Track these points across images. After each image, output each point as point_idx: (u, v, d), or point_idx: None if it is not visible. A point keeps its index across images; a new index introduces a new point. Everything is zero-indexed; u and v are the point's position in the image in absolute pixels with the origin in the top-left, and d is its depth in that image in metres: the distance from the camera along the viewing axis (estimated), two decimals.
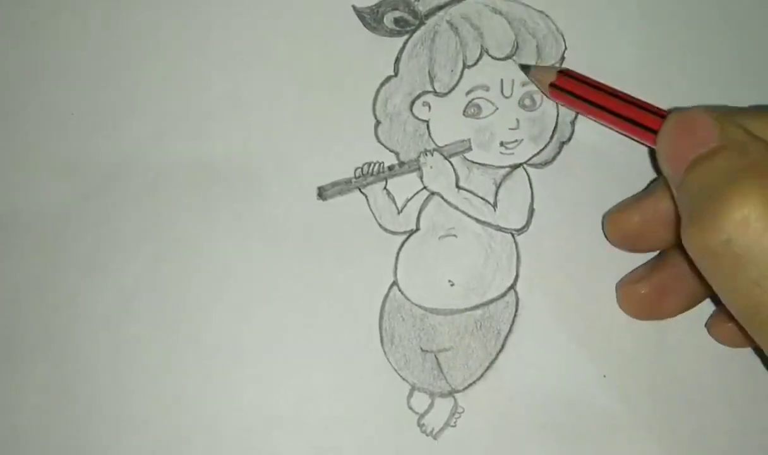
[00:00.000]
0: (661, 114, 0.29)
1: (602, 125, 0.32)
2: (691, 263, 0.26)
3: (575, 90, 0.31)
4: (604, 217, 0.33)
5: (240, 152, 0.33)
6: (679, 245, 0.27)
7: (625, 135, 0.31)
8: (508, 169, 0.34)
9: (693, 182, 0.25)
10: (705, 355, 0.33)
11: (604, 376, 0.32)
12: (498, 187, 0.33)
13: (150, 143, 0.34)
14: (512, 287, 0.33)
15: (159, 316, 0.32)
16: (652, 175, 0.33)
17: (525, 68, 0.33)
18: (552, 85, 0.32)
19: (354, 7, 0.34)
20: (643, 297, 0.32)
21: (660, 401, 0.32)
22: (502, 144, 0.33)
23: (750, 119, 0.26)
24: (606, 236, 0.33)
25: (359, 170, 0.33)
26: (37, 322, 0.33)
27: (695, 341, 0.33)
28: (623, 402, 0.32)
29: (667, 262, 0.32)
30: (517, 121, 0.34)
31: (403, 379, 0.32)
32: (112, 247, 0.33)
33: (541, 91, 0.33)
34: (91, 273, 0.33)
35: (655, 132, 0.28)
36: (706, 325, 0.33)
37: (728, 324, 0.31)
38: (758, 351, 0.32)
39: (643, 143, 0.30)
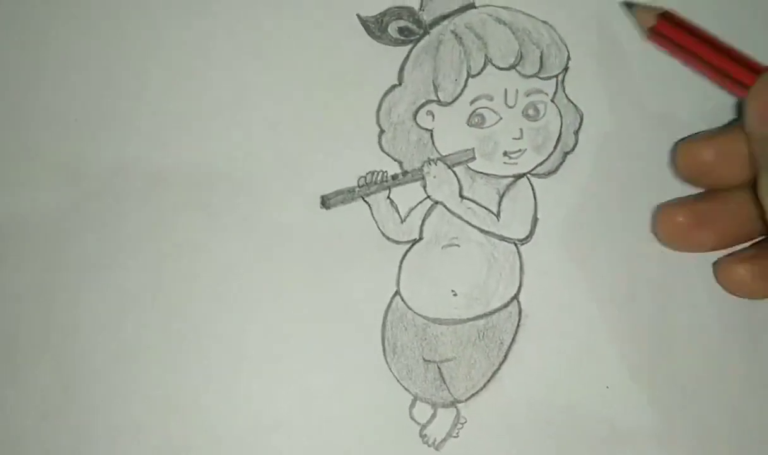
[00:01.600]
0: (757, 70, 0.30)
1: (697, 72, 0.32)
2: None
3: (673, 36, 0.32)
4: (675, 145, 0.32)
5: (243, 160, 0.33)
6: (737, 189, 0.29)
7: (718, 86, 0.31)
8: (511, 179, 0.33)
9: None
10: (709, 366, 0.33)
11: (607, 387, 0.32)
12: (501, 197, 0.33)
13: (152, 149, 0.33)
14: (515, 297, 0.33)
15: (160, 321, 0.32)
16: (660, 183, 0.33)
17: (629, 5, 0.33)
18: (651, 29, 0.32)
19: (359, 16, 0.34)
20: (679, 224, 0.32)
21: (663, 412, 0.32)
22: (505, 154, 0.33)
23: None
24: (674, 166, 0.32)
25: (363, 178, 0.33)
26: (37, 325, 0.32)
27: (699, 351, 0.33)
28: (626, 413, 0.32)
29: (715, 198, 0.32)
30: (521, 131, 0.34)
31: (406, 389, 0.32)
32: (114, 251, 0.33)
33: (641, 33, 0.33)
34: (93, 277, 0.33)
35: (747, 87, 0.29)
36: (713, 266, 0.32)
37: (740, 268, 0.31)
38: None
39: (734, 94, 0.31)
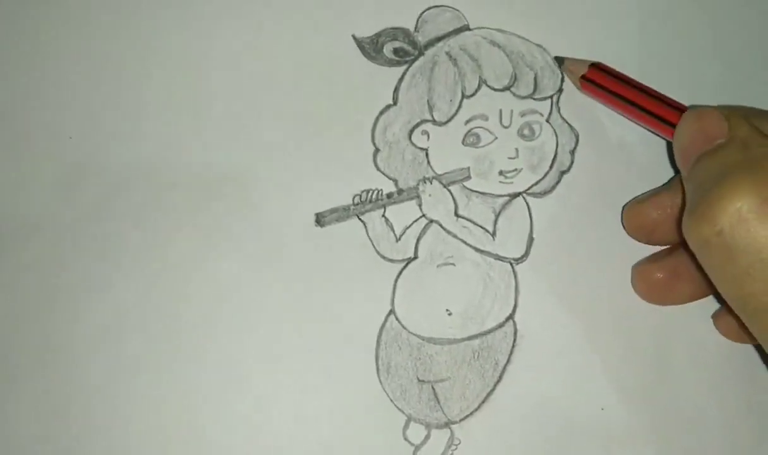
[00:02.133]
0: (682, 110, 0.30)
1: (627, 118, 0.33)
2: (691, 253, 0.26)
3: (605, 83, 0.32)
4: (623, 209, 0.33)
5: (238, 178, 0.33)
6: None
7: (649, 129, 0.31)
8: (507, 198, 0.33)
9: (696, 175, 0.26)
10: (706, 387, 0.32)
11: (602, 409, 0.32)
12: (497, 216, 0.33)
13: (149, 165, 0.33)
14: (511, 317, 0.33)
15: (155, 339, 0.32)
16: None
17: (558, 60, 0.34)
18: (583, 77, 0.33)
19: (354, 37, 0.35)
20: (657, 281, 0.32)
21: (660, 434, 0.32)
22: (501, 173, 0.33)
23: (766, 118, 0.27)
24: (624, 227, 0.33)
25: (358, 197, 0.33)
26: (34, 337, 0.32)
27: (696, 373, 0.32)
28: (622, 435, 0.32)
29: (683, 250, 0.31)
30: (516, 150, 0.34)
31: (399, 410, 0.32)
32: (109, 270, 0.33)
33: (573, 83, 0.34)
34: (89, 295, 0.32)
35: (674, 126, 0.29)
36: (712, 317, 0.33)
37: (729, 317, 0.31)
38: (758, 347, 0.32)
39: (664, 138, 0.31)
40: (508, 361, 0.32)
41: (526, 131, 0.34)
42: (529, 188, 0.34)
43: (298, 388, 0.32)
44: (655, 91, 0.31)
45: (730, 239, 0.24)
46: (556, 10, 0.35)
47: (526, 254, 0.33)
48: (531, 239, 0.33)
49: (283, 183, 0.33)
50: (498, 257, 0.33)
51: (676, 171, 0.33)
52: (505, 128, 0.34)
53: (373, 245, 0.33)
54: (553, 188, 0.34)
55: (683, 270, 0.31)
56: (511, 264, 0.33)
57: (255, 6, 0.35)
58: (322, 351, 0.32)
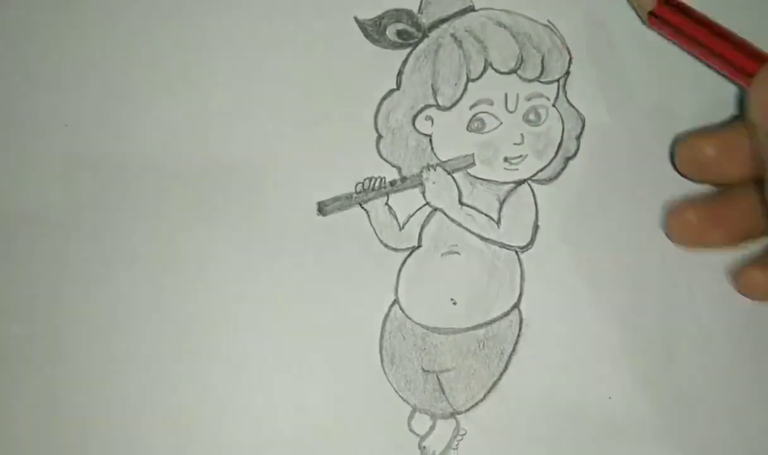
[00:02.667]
0: (760, 58, 0.29)
1: (698, 59, 0.32)
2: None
3: (674, 21, 0.31)
4: (676, 141, 0.32)
5: (240, 166, 0.33)
6: (745, 186, 0.29)
7: (721, 73, 0.31)
8: (512, 185, 0.33)
9: None
10: (713, 376, 0.32)
11: (610, 398, 0.32)
12: (502, 203, 0.33)
13: (149, 156, 0.33)
14: (516, 305, 0.32)
15: (157, 331, 0.32)
16: (664, 189, 0.33)
17: None
18: (651, 13, 0.32)
19: (356, 19, 0.34)
20: (690, 224, 0.32)
21: (667, 423, 0.32)
22: (506, 159, 0.33)
23: None
24: (674, 162, 0.32)
25: (360, 185, 0.32)
26: (34, 333, 0.32)
27: (703, 361, 0.32)
28: (629, 424, 0.32)
29: (725, 196, 0.32)
30: (522, 136, 0.33)
31: (404, 400, 0.32)
32: (111, 262, 0.32)
33: (640, 18, 0.33)
34: (89, 288, 0.32)
35: (750, 75, 0.29)
36: (731, 274, 0.32)
37: (755, 271, 0.31)
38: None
39: (735, 83, 0.30)
40: (513, 350, 0.32)
41: (531, 116, 0.33)
42: (534, 175, 0.33)
43: (302, 379, 0.32)
44: (732, 35, 0.30)
45: None
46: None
47: (532, 242, 0.33)
48: (536, 227, 0.33)
49: (285, 172, 0.33)
50: (503, 246, 0.33)
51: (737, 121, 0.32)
52: (511, 112, 0.33)
53: (376, 233, 0.32)
54: (559, 174, 0.33)
55: (719, 217, 0.31)
56: (516, 252, 0.33)
57: None
58: (325, 341, 0.32)
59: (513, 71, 0.33)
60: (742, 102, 0.31)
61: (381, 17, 0.34)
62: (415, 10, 0.34)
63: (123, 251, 0.32)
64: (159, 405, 0.31)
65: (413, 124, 0.33)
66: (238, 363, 0.32)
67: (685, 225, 0.32)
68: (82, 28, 0.34)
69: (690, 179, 0.32)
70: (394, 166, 0.33)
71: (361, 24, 0.34)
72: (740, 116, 0.32)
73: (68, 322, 0.32)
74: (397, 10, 0.34)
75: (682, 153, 0.32)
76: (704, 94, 0.33)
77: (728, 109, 0.33)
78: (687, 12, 0.31)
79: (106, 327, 0.32)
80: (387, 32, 0.34)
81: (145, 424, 0.31)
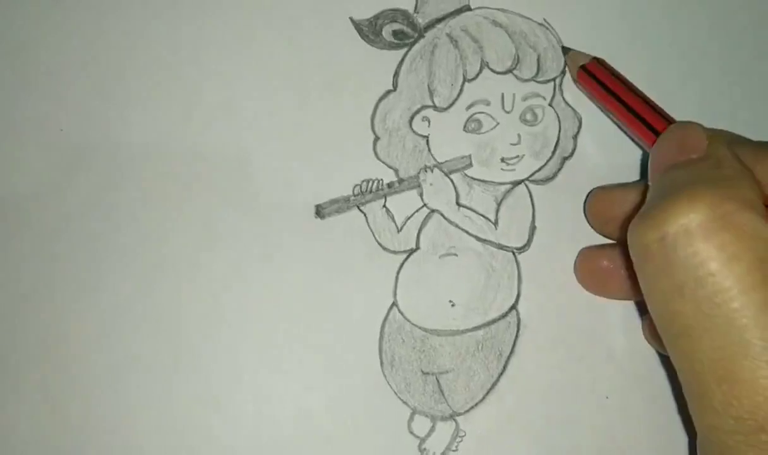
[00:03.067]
0: (670, 122, 0.29)
1: (614, 120, 0.32)
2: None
3: (602, 78, 0.31)
4: (587, 196, 0.32)
5: (236, 169, 0.32)
6: None
7: (634, 137, 0.31)
8: (509, 185, 0.33)
9: (662, 182, 0.25)
10: None
11: (607, 398, 0.32)
12: (499, 204, 0.33)
13: (145, 157, 0.33)
14: (514, 306, 0.32)
15: (154, 333, 0.32)
16: None
17: (564, 50, 0.33)
18: (582, 67, 0.32)
19: (352, 19, 0.33)
20: (601, 269, 0.31)
21: (663, 424, 0.32)
22: (503, 160, 0.33)
23: (749, 149, 0.26)
24: (584, 213, 0.32)
25: (358, 187, 0.32)
26: (29, 333, 0.32)
27: None
28: (626, 424, 0.32)
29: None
30: (519, 136, 0.33)
31: (404, 402, 0.32)
32: (106, 263, 0.32)
33: (571, 74, 0.33)
34: (84, 290, 0.32)
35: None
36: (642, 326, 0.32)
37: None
38: (664, 358, 0.32)
39: (646, 148, 0.30)
40: (511, 351, 0.32)
41: (528, 116, 0.33)
42: (531, 175, 0.33)
43: (301, 382, 0.31)
44: (650, 100, 0.30)
45: (671, 249, 0.23)
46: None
47: (529, 242, 0.33)
48: (533, 228, 0.33)
49: (282, 174, 0.32)
50: (500, 247, 0.33)
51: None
52: (507, 113, 0.33)
53: (374, 236, 0.32)
54: (556, 174, 0.33)
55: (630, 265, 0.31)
56: (513, 253, 0.33)
57: None
58: (324, 345, 0.32)
59: (509, 71, 0.33)
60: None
61: (377, 17, 0.34)
62: (411, 10, 0.34)
63: (119, 255, 0.32)
64: (156, 407, 0.31)
65: (410, 125, 0.33)
66: (236, 366, 0.31)
67: (595, 270, 0.31)
68: (75, 27, 0.33)
69: (601, 233, 0.32)
70: (391, 168, 0.33)
71: (356, 24, 0.34)
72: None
73: (62, 323, 0.32)
74: (392, 10, 0.33)
75: (590, 209, 0.32)
76: (698, 85, 0.33)
77: (719, 96, 0.33)
78: (614, 74, 0.31)
79: (102, 329, 0.32)
80: (383, 32, 0.33)
81: (143, 426, 0.31)
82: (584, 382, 0.32)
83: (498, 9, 0.34)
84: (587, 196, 0.32)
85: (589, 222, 0.32)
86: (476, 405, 0.32)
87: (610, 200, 0.31)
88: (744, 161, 0.25)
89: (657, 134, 0.28)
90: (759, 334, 0.21)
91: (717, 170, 0.24)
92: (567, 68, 0.33)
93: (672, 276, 0.23)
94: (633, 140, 0.32)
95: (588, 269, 0.32)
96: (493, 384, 0.32)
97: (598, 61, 0.32)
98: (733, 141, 0.26)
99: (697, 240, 0.22)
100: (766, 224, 0.22)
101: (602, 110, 0.33)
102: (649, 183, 0.27)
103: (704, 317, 0.22)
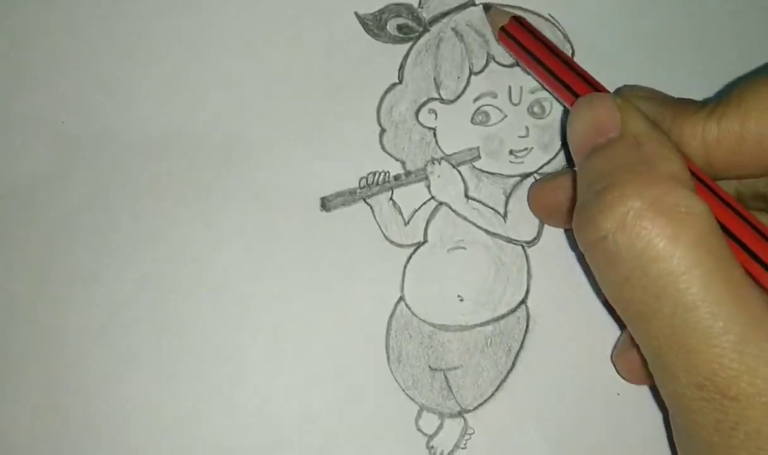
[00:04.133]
0: (595, 86, 0.29)
1: (537, 80, 0.32)
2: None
3: (522, 39, 0.31)
4: (528, 193, 0.32)
5: (241, 162, 0.32)
6: None
7: (557, 99, 0.31)
8: (518, 178, 0.32)
9: (587, 172, 0.26)
10: None
11: (618, 394, 0.31)
12: (508, 197, 0.32)
13: (148, 150, 0.32)
14: (523, 301, 0.32)
15: (157, 329, 0.31)
16: None
17: (485, 7, 0.33)
18: (503, 28, 0.32)
19: (356, 14, 0.33)
20: (554, 202, 0.31)
21: None
22: (511, 152, 0.32)
23: (666, 105, 0.27)
24: (529, 205, 0.32)
25: (364, 179, 0.32)
26: (27, 331, 0.31)
27: None
28: (637, 420, 0.31)
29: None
30: (527, 128, 0.33)
31: (411, 399, 0.31)
32: (108, 259, 0.31)
33: (492, 33, 0.33)
34: (85, 286, 0.31)
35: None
36: (612, 355, 0.31)
37: (629, 354, 0.30)
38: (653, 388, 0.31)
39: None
40: (521, 347, 0.31)
41: (536, 109, 0.33)
42: (540, 168, 0.33)
43: (307, 379, 0.31)
44: (574, 64, 0.30)
45: (613, 245, 0.23)
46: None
47: (538, 236, 0.32)
48: (543, 221, 0.32)
49: (287, 167, 0.32)
50: (509, 240, 0.32)
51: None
52: (515, 105, 0.33)
53: (380, 229, 0.32)
54: (565, 167, 0.33)
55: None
56: (522, 247, 0.32)
57: None
58: (330, 340, 0.31)
59: (515, 64, 0.33)
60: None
61: (381, 12, 0.33)
62: (416, 4, 0.34)
63: (121, 249, 0.32)
64: (158, 406, 0.30)
65: (416, 117, 0.33)
66: (241, 362, 0.31)
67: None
68: (78, 21, 0.33)
69: (547, 222, 0.32)
70: (398, 160, 0.32)
71: (361, 19, 0.33)
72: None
73: (62, 319, 0.31)
74: (397, 4, 0.33)
75: (534, 201, 0.32)
76: (703, 76, 0.33)
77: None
78: (534, 33, 0.31)
79: (102, 325, 0.31)
80: (387, 27, 0.33)
81: (145, 425, 0.30)
82: (595, 378, 0.31)
83: (503, 4, 0.34)
84: (528, 192, 0.32)
85: (536, 216, 0.32)
86: (485, 401, 0.31)
87: (549, 190, 0.31)
88: (662, 121, 0.26)
89: (576, 96, 0.28)
90: (707, 309, 0.22)
91: (637, 151, 0.25)
92: (489, 25, 0.33)
93: (618, 269, 0.24)
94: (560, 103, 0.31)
95: (541, 203, 0.32)
96: (503, 381, 0.31)
97: (519, 21, 0.32)
98: (649, 98, 0.27)
99: (635, 231, 0.23)
100: (697, 196, 0.23)
101: (526, 72, 0.32)
102: (576, 166, 0.27)
103: (653, 301, 0.23)
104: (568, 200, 0.30)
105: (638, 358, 0.28)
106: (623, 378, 0.31)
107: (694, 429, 0.24)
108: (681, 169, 0.24)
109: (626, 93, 0.29)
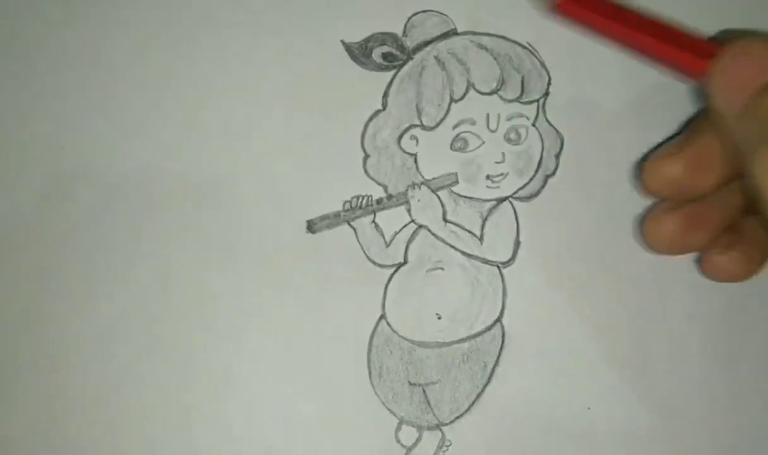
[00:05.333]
0: (704, 51, 0.28)
1: (619, 45, 0.30)
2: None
3: (581, 15, 0.29)
4: (640, 165, 0.31)
5: (228, 185, 0.33)
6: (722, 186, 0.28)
7: (665, 66, 0.29)
8: (494, 202, 0.34)
9: (760, 111, 0.26)
10: (689, 388, 0.33)
11: (589, 408, 0.33)
12: (484, 220, 0.34)
13: (137, 174, 0.33)
14: (498, 319, 0.33)
15: (146, 348, 0.32)
16: (638, 204, 0.33)
17: None
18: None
19: (343, 42, 0.34)
20: (671, 232, 0.31)
21: (644, 433, 0.33)
22: (488, 177, 0.34)
23: None
24: (644, 186, 0.31)
25: (348, 203, 0.33)
26: (25, 347, 0.32)
27: (678, 371, 0.33)
28: (607, 433, 0.33)
29: (703, 198, 0.31)
30: (503, 154, 0.34)
31: (391, 412, 0.32)
32: (105, 276, 0.33)
33: (548, 6, 0.31)
34: (79, 307, 0.32)
35: (695, 70, 0.28)
36: (698, 261, 0.32)
37: (725, 256, 0.31)
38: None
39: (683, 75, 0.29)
40: (496, 363, 0.33)
41: (512, 135, 0.34)
42: (515, 192, 0.34)
43: (291, 393, 0.32)
44: (663, 27, 0.29)
45: None
46: (543, 12, 0.35)
47: (513, 257, 0.34)
48: (518, 243, 0.34)
49: (274, 190, 0.33)
50: (486, 261, 0.33)
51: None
52: (492, 132, 0.34)
53: (363, 250, 0.33)
54: (539, 191, 0.34)
55: (698, 220, 0.30)
56: (498, 268, 0.33)
57: (243, 13, 0.35)
58: (314, 356, 0.32)
59: (494, 92, 0.34)
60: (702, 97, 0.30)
61: (367, 40, 0.34)
62: (400, 33, 0.35)
63: (117, 270, 0.33)
64: (150, 418, 0.32)
65: (399, 143, 0.34)
66: (226, 376, 0.32)
67: (665, 233, 0.31)
68: (78, 48, 0.34)
69: (666, 199, 0.31)
70: (380, 184, 0.34)
71: (347, 47, 0.34)
72: (698, 115, 0.32)
73: (61, 337, 0.32)
74: (382, 33, 0.34)
75: (649, 177, 0.31)
76: (684, 110, 0.34)
77: None
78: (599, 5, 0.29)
79: (98, 344, 0.32)
80: (373, 55, 0.34)
81: (138, 437, 0.32)
82: (567, 393, 0.33)
83: (484, 33, 0.35)
84: (641, 170, 0.31)
85: (656, 195, 0.31)
86: (462, 415, 0.32)
87: (672, 166, 0.30)
88: None
89: (703, 55, 0.28)
90: None
91: None
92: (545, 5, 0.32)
93: None
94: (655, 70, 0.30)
95: (660, 235, 0.31)
96: (478, 395, 0.33)
97: None
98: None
99: None
100: None
101: (599, 42, 0.30)
102: (729, 114, 0.27)
103: None
104: (689, 170, 0.29)
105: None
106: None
107: None
108: None
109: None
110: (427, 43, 0.35)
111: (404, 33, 0.35)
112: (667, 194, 0.31)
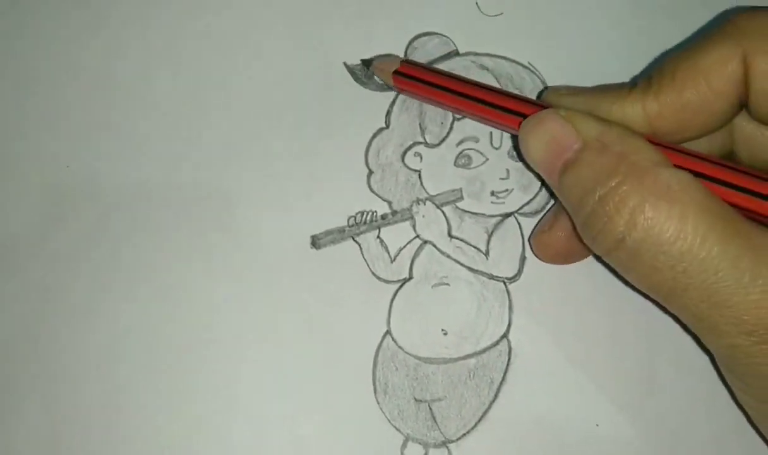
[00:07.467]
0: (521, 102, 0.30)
1: (451, 110, 0.33)
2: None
3: (423, 76, 0.32)
4: (529, 240, 0.33)
5: (233, 201, 0.34)
6: None
7: (489, 125, 0.32)
8: (499, 218, 0.34)
9: (570, 190, 0.27)
10: (697, 404, 0.33)
11: (597, 425, 0.32)
12: (490, 236, 0.34)
13: (142, 190, 0.34)
14: (505, 335, 0.33)
15: (150, 363, 0.32)
16: None
17: (366, 62, 0.34)
18: (396, 72, 0.33)
19: (345, 64, 0.35)
20: (557, 241, 0.32)
21: (652, 450, 0.32)
22: (493, 193, 0.34)
23: (588, 96, 0.29)
24: (537, 257, 0.33)
25: (352, 218, 0.33)
26: (26, 362, 0.32)
27: (687, 389, 0.33)
28: (615, 451, 0.32)
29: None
30: (507, 171, 0.34)
31: (397, 430, 0.32)
32: (104, 295, 0.33)
33: (385, 82, 0.34)
34: (82, 321, 0.33)
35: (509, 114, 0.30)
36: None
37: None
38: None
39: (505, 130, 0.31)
40: (503, 379, 0.32)
41: (516, 152, 0.34)
42: (520, 208, 0.34)
43: (296, 409, 0.32)
44: (483, 84, 0.32)
45: (632, 243, 0.25)
46: (543, 32, 0.36)
47: (519, 273, 0.33)
48: (523, 258, 0.34)
49: (279, 206, 0.34)
50: (491, 277, 0.33)
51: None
52: (496, 149, 0.34)
53: (368, 266, 0.33)
54: (544, 207, 0.34)
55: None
56: (504, 283, 0.33)
57: (249, 32, 0.35)
58: (319, 372, 0.32)
59: None
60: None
61: (369, 62, 0.35)
62: (402, 55, 0.35)
63: (122, 285, 0.33)
64: (152, 433, 0.31)
65: (402, 160, 0.34)
66: (231, 393, 0.32)
67: (552, 244, 0.32)
68: (81, 69, 0.35)
69: (560, 264, 0.33)
70: (385, 200, 0.34)
71: (350, 69, 0.35)
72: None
73: (63, 351, 0.32)
74: (384, 55, 0.35)
75: (540, 251, 0.33)
76: None
77: None
78: (431, 68, 0.33)
79: (100, 358, 0.32)
80: (375, 76, 0.35)
81: (139, 451, 0.31)
82: (574, 410, 0.32)
83: (485, 54, 0.36)
84: (531, 244, 0.33)
85: (549, 262, 0.33)
86: (468, 432, 0.32)
87: (555, 236, 0.32)
88: (598, 109, 0.28)
89: (505, 112, 0.30)
90: (731, 265, 0.24)
91: (608, 153, 0.26)
92: (377, 78, 0.34)
93: (643, 261, 0.26)
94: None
95: (549, 249, 0.33)
96: (485, 412, 0.32)
97: (408, 62, 0.33)
98: (575, 94, 0.30)
99: (646, 224, 0.25)
100: (677, 168, 0.26)
101: (432, 104, 0.33)
102: (553, 188, 0.28)
103: (683, 276, 0.25)
104: (570, 236, 0.31)
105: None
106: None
107: (758, 370, 0.26)
108: (652, 151, 0.26)
109: (550, 96, 0.31)
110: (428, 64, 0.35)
111: (406, 54, 0.35)
112: (561, 260, 0.33)
